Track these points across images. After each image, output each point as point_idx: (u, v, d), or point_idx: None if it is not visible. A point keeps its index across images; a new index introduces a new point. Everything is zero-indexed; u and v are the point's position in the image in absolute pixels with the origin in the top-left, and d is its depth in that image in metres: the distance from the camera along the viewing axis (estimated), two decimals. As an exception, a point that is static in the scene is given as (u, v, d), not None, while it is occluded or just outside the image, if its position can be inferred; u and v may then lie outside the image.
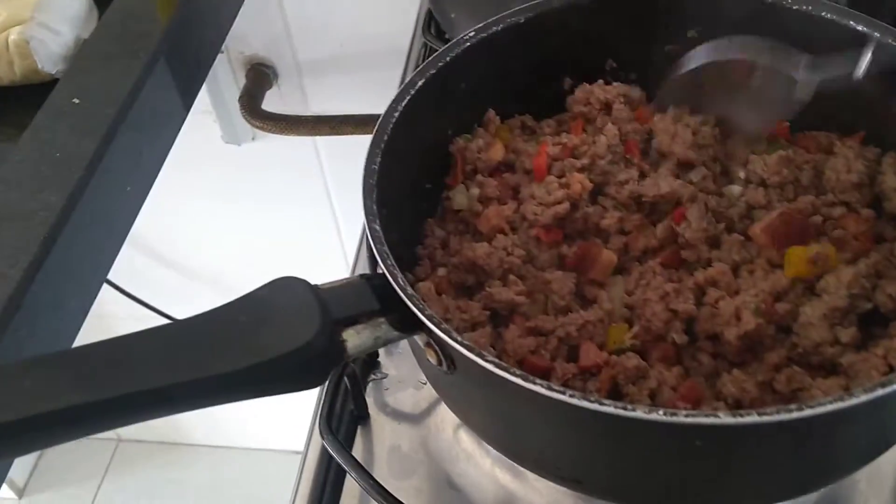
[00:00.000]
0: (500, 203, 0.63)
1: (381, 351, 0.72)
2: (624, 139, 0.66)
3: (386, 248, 0.50)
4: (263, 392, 0.45)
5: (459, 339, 0.46)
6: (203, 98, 1.27)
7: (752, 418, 0.41)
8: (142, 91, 0.76)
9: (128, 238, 0.76)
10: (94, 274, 0.72)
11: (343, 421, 0.67)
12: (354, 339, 0.47)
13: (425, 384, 0.69)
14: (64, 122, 0.71)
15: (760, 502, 0.53)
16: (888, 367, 0.51)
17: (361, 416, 0.67)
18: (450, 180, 0.65)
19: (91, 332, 0.70)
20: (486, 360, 0.44)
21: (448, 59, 0.62)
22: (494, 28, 0.64)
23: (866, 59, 0.54)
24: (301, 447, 0.67)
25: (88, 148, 0.69)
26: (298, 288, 0.47)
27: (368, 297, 0.49)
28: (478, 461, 0.64)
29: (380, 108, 0.59)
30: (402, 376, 0.70)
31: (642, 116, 0.67)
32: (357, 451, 0.66)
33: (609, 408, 0.42)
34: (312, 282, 1.11)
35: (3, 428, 0.39)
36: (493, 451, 0.64)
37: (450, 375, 0.50)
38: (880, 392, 0.42)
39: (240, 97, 1.25)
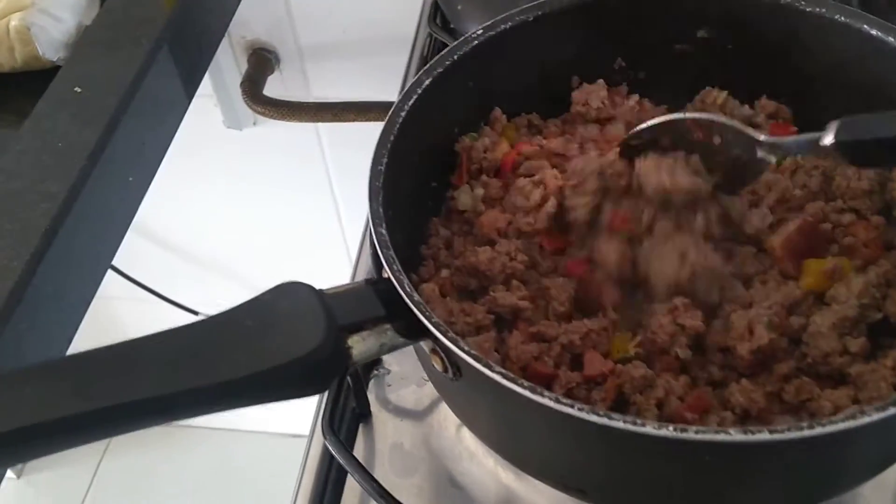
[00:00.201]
0: (502, 206, 0.63)
1: (384, 346, 0.72)
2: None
3: (392, 252, 0.50)
4: (267, 398, 0.44)
5: (466, 348, 0.45)
6: (204, 82, 1.25)
7: (763, 436, 0.41)
8: (144, 79, 0.75)
9: (127, 220, 0.76)
10: (96, 265, 0.72)
11: (345, 417, 0.67)
12: (360, 345, 0.47)
13: (428, 381, 0.69)
14: (65, 112, 0.70)
15: None
16: None
17: (363, 414, 0.67)
18: (455, 179, 0.65)
19: (92, 314, 0.70)
20: (494, 371, 0.44)
21: (456, 57, 0.61)
22: (503, 26, 0.63)
23: (831, 133, 0.52)
24: (301, 430, 0.67)
25: (90, 138, 0.68)
26: (303, 293, 0.46)
27: (374, 303, 0.48)
28: (480, 460, 0.64)
29: (383, 94, 0.59)
30: (405, 373, 0.70)
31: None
32: (359, 448, 0.66)
33: (618, 422, 0.42)
34: (313, 269, 1.10)
35: (4, 437, 0.38)
36: (495, 450, 0.64)
37: (455, 382, 0.49)
38: (892, 411, 0.41)
39: (241, 82, 1.24)
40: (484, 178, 0.64)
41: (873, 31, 0.59)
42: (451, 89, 0.61)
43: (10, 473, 1.92)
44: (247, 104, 1.23)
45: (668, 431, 0.41)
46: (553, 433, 0.48)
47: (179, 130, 0.85)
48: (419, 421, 0.67)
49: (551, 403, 0.43)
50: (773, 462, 0.45)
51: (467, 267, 0.59)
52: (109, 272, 0.82)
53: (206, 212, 1.51)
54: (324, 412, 0.64)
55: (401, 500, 0.58)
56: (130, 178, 0.75)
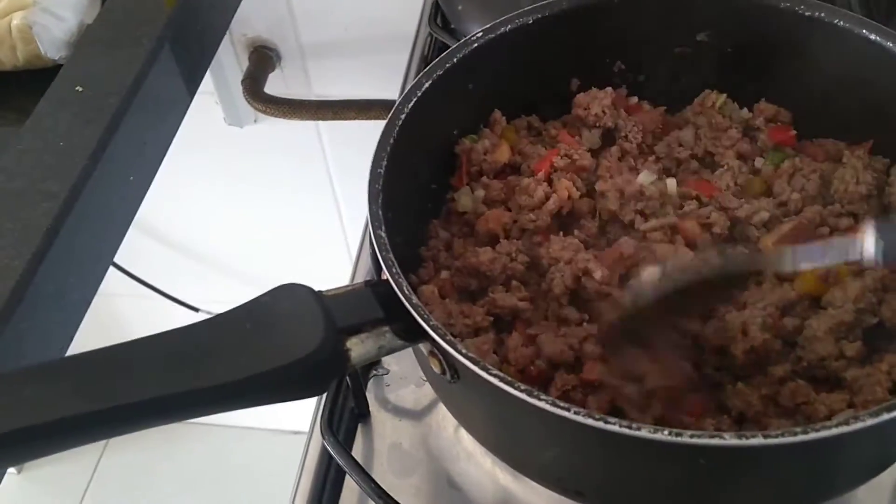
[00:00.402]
0: (505, 206, 0.63)
1: (383, 346, 0.72)
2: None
3: (391, 255, 0.50)
4: (266, 400, 0.44)
5: (464, 351, 0.46)
6: (206, 80, 1.25)
7: (757, 440, 0.41)
8: (146, 78, 0.75)
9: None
10: (96, 264, 0.72)
11: (344, 417, 0.67)
12: (359, 347, 0.47)
13: (426, 381, 0.69)
14: (67, 111, 0.70)
15: None
16: (892, 382, 0.51)
17: (362, 414, 0.67)
18: (455, 181, 0.65)
19: (93, 311, 0.70)
20: (491, 374, 0.44)
21: (456, 59, 0.61)
22: (503, 29, 0.63)
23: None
24: (301, 427, 0.67)
25: (92, 137, 0.69)
26: (303, 295, 0.47)
27: (373, 305, 0.48)
28: (478, 460, 0.64)
29: (384, 93, 0.59)
30: (404, 373, 0.70)
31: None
32: (357, 448, 0.66)
33: (614, 426, 0.42)
34: (313, 266, 1.10)
35: (3, 438, 0.39)
36: (494, 451, 0.65)
37: (453, 384, 0.50)
38: (886, 417, 0.42)
39: (243, 80, 1.24)
40: (484, 179, 0.64)
41: (872, 36, 0.60)
42: (450, 92, 0.61)
43: (10, 469, 1.92)
44: (248, 102, 1.23)
45: (664, 436, 0.42)
46: (550, 436, 0.48)
47: (181, 128, 0.85)
48: (418, 421, 0.67)
49: (548, 407, 0.43)
50: (767, 466, 0.45)
51: (468, 268, 0.59)
52: (111, 269, 0.82)
53: (207, 209, 1.51)
54: (322, 412, 0.64)
55: (399, 501, 0.58)
56: (131, 178, 0.75)
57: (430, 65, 0.61)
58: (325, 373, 0.46)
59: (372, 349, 0.48)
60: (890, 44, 0.59)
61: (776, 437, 0.41)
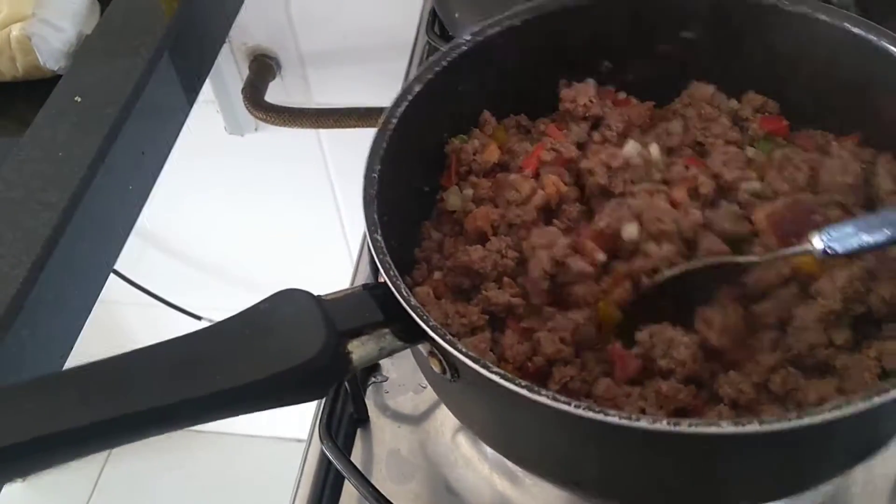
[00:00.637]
0: (494, 204, 0.64)
1: (382, 353, 0.72)
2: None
3: (388, 258, 0.50)
4: (269, 405, 0.45)
5: (464, 350, 0.46)
6: (206, 88, 1.27)
7: (753, 427, 0.42)
8: (144, 88, 0.75)
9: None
10: (96, 272, 0.73)
11: (343, 423, 0.67)
12: (359, 350, 0.47)
13: (425, 387, 0.69)
14: (66, 121, 0.71)
15: (756, 501, 0.54)
16: (881, 368, 0.52)
17: (361, 419, 0.68)
18: (444, 181, 0.65)
19: (95, 319, 0.71)
20: (492, 372, 0.45)
21: (445, 63, 0.62)
22: (490, 31, 0.64)
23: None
24: (302, 435, 0.68)
25: (91, 146, 0.69)
26: (302, 300, 0.47)
27: (372, 308, 0.49)
28: (475, 466, 0.65)
29: (383, 100, 0.59)
30: (402, 379, 0.70)
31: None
32: (356, 454, 0.66)
33: (613, 418, 0.43)
34: (315, 272, 1.10)
35: (6, 451, 0.39)
36: (491, 457, 0.65)
37: (453, 383, 0.50)
38: (877, 400, 0.43)
39: (243, 88, 1.25)
40: (473, 178, 0.65)
41: (855, 29, 0.60)
42: (440, 95, 0.62)
43: (14, 477, 1.92)
44: (248, 110, 1.24)
45: (663, 426, 0.42)
46: (550, 429, 0.49)
47: (182, 136, 0.85)
48: (416, 427, 0.68)
49: (549, 401, 0.44)
50: (763, 451, 0.46)
51: (459, 266, 0.60)
52: (112, 277, 0.83)
53: (208, 217, 1.52)
54: (321, 417, 0.65)
55: (397, 506, 0.59)
56: (130, 186, 0.75)
57: (420, 69, 0.62)
58: (327, 376, 0.47)
59: (373, 351, 0.48)
60: (872, 37, 0.59)
61: (772, 423, 0.42)
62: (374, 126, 0.58)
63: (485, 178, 0.65)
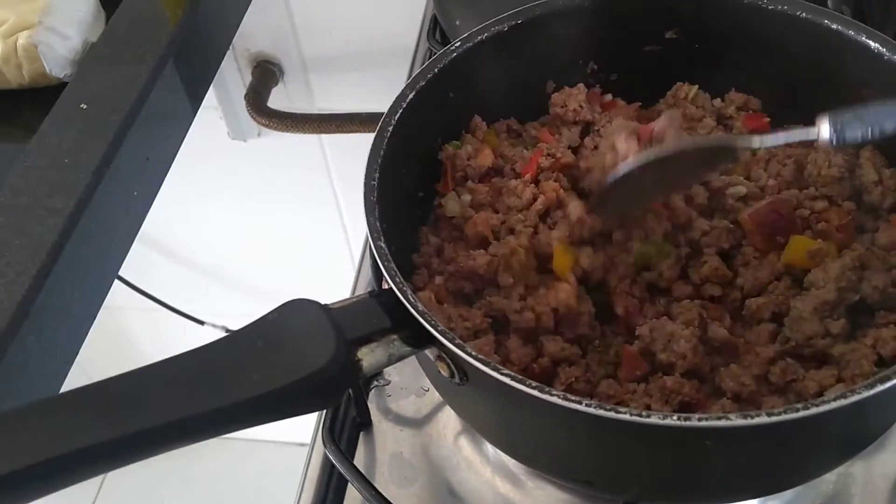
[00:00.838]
0: (493, 208, 0.65)
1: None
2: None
3: (393, 265, 0.51)
4: (282, 415, 0.45)
5: (474, 353, 0.47)
6: (210, 94, 1.27)
7: (761, 419, 0.43)
8: (149, 95, 0.76)
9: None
10: (101, 278, 0.73)
11: (346, 427, 0.68)
12: (369, 357, 0.48)
13: (427, 391, 0.70)
14: (72, 128, 0.71)
15: (759, 493, 0.57)
16: (877, 355, 0.53)
17: (364, 423, 0.68)
18: (441, 187, 0.66)
19: (100, 325, 0.71)
20: (502, 374, 0.46)
21: (437, 70, 0.63)
22: (479, 37, 0.65)
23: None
24: (305, 439, 0.68)
25: (96, 153, 0.70)
26: (311, 309, 0.48)
27: (379, 315, 0.49)
28: (478, 469, 0.65)
29: (385, 106, 0.60)
30: (405, 383, 0.71)
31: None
32: (359, 457, 0.67)
33: (624, 415, 0.43)
34: (318, 277, 1.10)
35: (27, 470, 0.39)
36: (493, 460, 0.65)
37: (461, 386, 0.51)
38: (880, 388, 0.43)
39: (246, 94, 1.26)
40: (469, 184, 0.66)
41: (834, 26, 0.62)
42: (433, 101, 0.63)
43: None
44: (251, 116, 1.24)
45: (673, 421, 0.43)
46: (561, 429, 0.50)
47: (185, 142, 0.86)
48: (418, 430, 0.68)
49: (559, 401, 0.44)
50: (769, 442, 0.47)
51: (462, 271, 0.60)
52: (117, 283, 0.83)
53: (212, 222, 1.52)
54: (325, 421, 0.65)
55: (400, 510, 0.59)
56: (135, 193, 0.76)
57: (413, 76, 0.63)
58: (338, 384, 0.47)
59: (382, 357, 0.49)
60: (851, 32, 0.61)
61: (779, 414, 0.43)
62: (375, 131, 0.59)
63: (480, 182, 0.66)
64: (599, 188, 0.60)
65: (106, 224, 0.71)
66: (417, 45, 1.05)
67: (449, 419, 0.68)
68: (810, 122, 0.67)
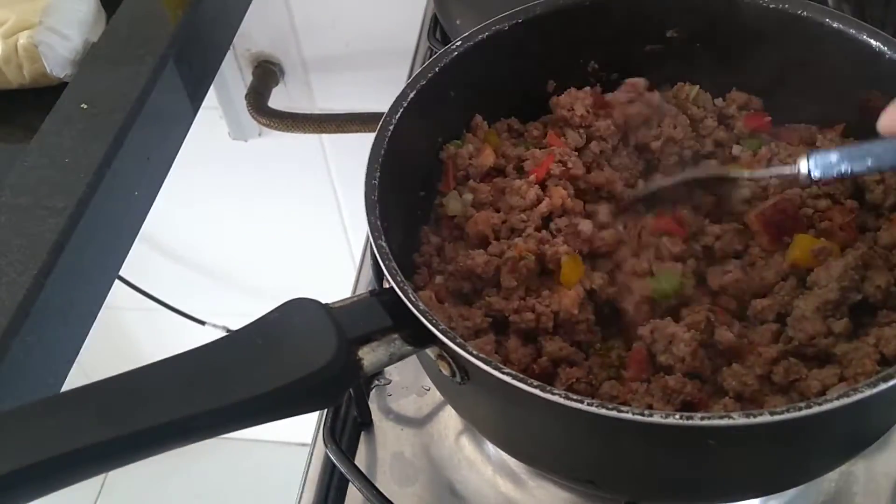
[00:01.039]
0: (494, 208, 0.65)
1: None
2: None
3: (394, 264, 0.51)
4: (283, 415, 0.45)
5: (475, 352, 0.47)
6: (210, 94, 1.27)
7: (764, 418, 0.43)
8: (150, 95, 0.76)
9: (134, 230, 0.77)
10: (102, 278, 0.73)
11: (346, 426, 0.68)
12: (370, 356, 0.48)
13: (428, 390, 0.70)
14: (72, 128, 0.71)
15: (762, 492, 0.57)
16: (880, 354, 0.53)
17: (365, 423, 0.68)
18: (442, 187, 0.66)
19: (100, 324, 0.71)
20: (503, 373, 0.46)
21: (437, 69, 0.63)
22: (480, 36, 0.65)
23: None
24: (306, 439, 0.68)
25: (97, 153, 0.70)
26: (311, 309, 0.47)
27: (380, 314, 0.49)
28: (479, 468, 0.65)
29: (385, 105, 0.60)
30: (406, 382, 0.71)
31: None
32: (360, 457, 0.67)
33: (627, 414, 0.43)
34: (318, 276, 1.10)
35: (27, 470, 0.39)
36: (494, 459, 0.65)
37: (462, 385, 0.51)
38: (883, 386, 0.43)
39: (246, 94, 1.26)
40: (471, 183, 0.66)
41: (835, 25, 0.62)
42: (434, 100, 0.63)
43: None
44: (252, 116, 1.24)
45: (675, 420, 0.43)
46: (563, 428, 0.50)
47: (186, 142, 0.86)
48: (419, 429, 0.68)
49: (561, 400, 0.44)
50: (771, 442, 0.47)
51: (462, 271, 0.60)
52: (117, 282, 0.83)
53: (212, 222, 1.52)
54: (325, 421, 0.65)
55: (401, 509, 0.59)
56: (136, 192, 0.76)
57: (414, 76, 0.63)
58: (340, 383, 0.47)
59: (383, 357, 0.49)
60: (852, 31, 0.61)
61: (782, 413, 0.43)
62: (375, 131, 0.59)
63: (482, 182, 0.66)
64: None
65: (106, 224, 0.71)
66: (418, 45, 1.05)
67: (450, 418, 0.68)
68: (811, 120, 0.67)
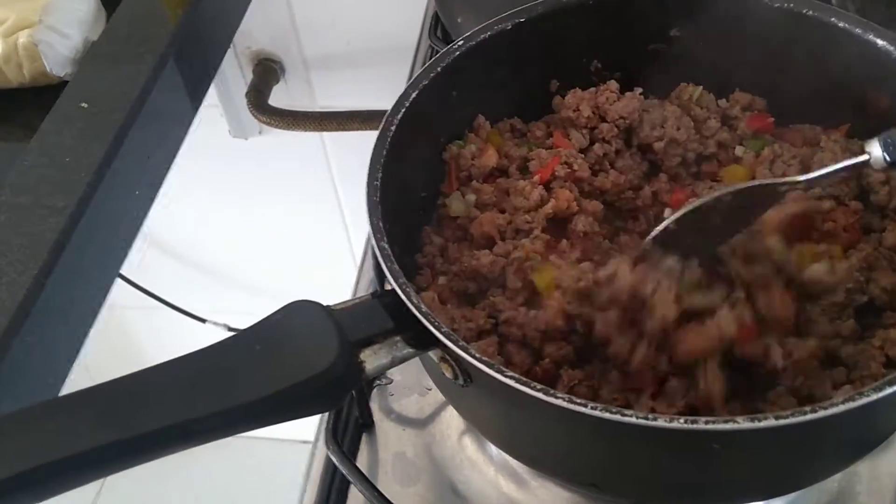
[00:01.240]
0: (498, 209, 0.64)
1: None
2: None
3: (396, 266, 0.50)
4: (284, 418, 0.45)
5: (478, 355, 0.46)
6: (211, 92, 1.27)
7: (769, 422, 0.42)
8: (150, 94, 0.76)
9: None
10: (102, 277, 0.73)
11: (349, 427, 0.67)
12: (372, 359, 0.48)
13: (430, 390, 0.70)
14: (72, 127, 0.71)
15: (766, 496, 0.57)
16: (885, 356, 0.53)
17: (366, 423, 0.68)
18: (445, 187, 0.66)
19: (101, 323, 0.71)
20: (506, 376, 0.45)
21: (439, 69, 0.63)
22: (482, 36, 0.64)
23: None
24: (307, 436, 0.68)
25: (97, 152, 0.70)
26: (313, 311, 0.47)
27: (382, 316, 0.49)
28: (481, 468, 0.65)
29: (386, 103, 0.60)
30: (408, 382, 0.71)
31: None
32: (362, 457, 0.67)
33: (631, 418, 0.43)
34: (319, 275, 1.10)
35: (31, 473, 0.39)
36: (497, 459, 0.65)
37: (464, 388, 0.50)
38: (889, 390, 0.43)
39: (247, 92, 1.25)
40: (474, 184, 0.65)
41: (841, 24, 0.61)
42: (436, 100, 0.62)
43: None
44: (252, 114, 1.24)
45: (680, 424, 0.43)
46: (566, 431, 0.49)
47: (187, 140, 0.86)
48: (421, 430, 0.68)
49: (565, 404, 0.44)
50: (776, 445, 0.47)
51: (466, 271, 0.60)
52: (118, 281, 0.83)
53: (213, 220, 1.52)
54: (327, 423, 0.65)
55: (403, 510, 0.59)
56: (136, 192, 0.76)
57: (415, 76, 0.62)
58: (341, 386, 0.47)
59: (385, 360, 0.48)
60: (858, 30, 0.61)
61: (787, 417, 0.42)
62: (377, 129, 0.58)
63: (485, 182, 0.66)
64: (643, 246, 0.57)
65: (107, 223, 0.71)
66: (419, 43, 1.04)
67: (452, 418, 0.68)
68: (815, 121, 0.67)
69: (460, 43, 0.64)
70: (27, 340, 0.61)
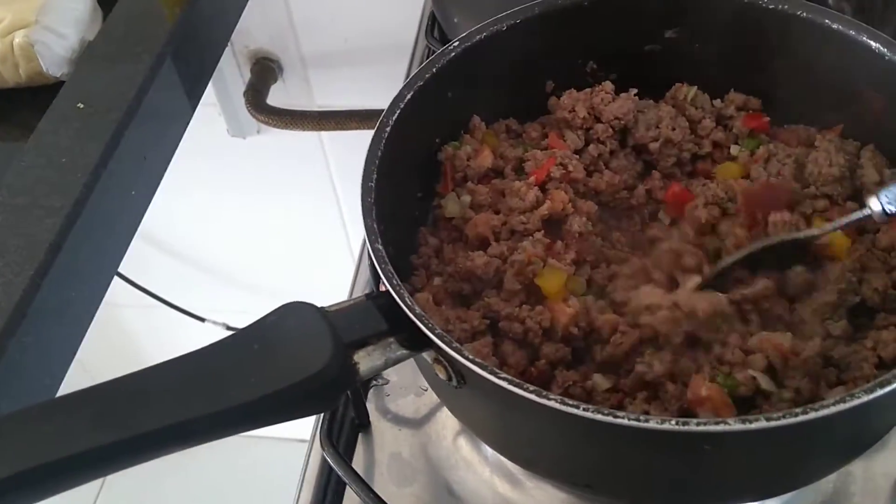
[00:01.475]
0: (493, 209, 0.64)
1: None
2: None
3: (390, 267, 0.51)
4: (279, 419, 0.45)
5: (471, 357, 0.46)
6: (208, 91, 1.27)
7: (760, 423, 0.42)
8: (147, 94, 0.76)
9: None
10: (99, 277, 0.73)
11: (344, 428, 0.67)
12: (366, 361, 0.48)
13: (426, 390, 0.70)
14: (69, 127, 0.71)
15: (758, 496, 0.57)
16: (878, 357, 0.53)
17: (362, 424, 0.68)
18: (440, 188, 0.66)
19: (99, 321, 0.71)
20: (499, 377, 0.45)
21: (435, 70, 0.62)
22: (477, 36, 0.64)
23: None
24: (303, 435, 0.68)
25: (93, 152, 0.70)
26: (307, 313, 0.47)
27: (376, 318, 0.49)
28: (476, 469, 0.65)
29: (384, 102, 0.60)
30: (403, 382, 0.71)
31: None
32: (358, 458, 0.67)
33: (623, 420, 0.43)
34: (318, 274, 1.10)
35: (28, 473, 0.39)
36: (492, 459, 0.65)
37: (458, 389, 0.50)
38: (880, 392, 0.43)
39: (245, 91, 1.25)
40: (469, 184, 0.65)
41: (835, 26, 0.62)
42: (431, 101, 0.62)
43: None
44: (250, 113, 1.24)
45: (671, 426, 0.43)
46: (559, 433, 0.49)
47: (184, 139, 0.86)
48: (417, 430, 0.68)
49: (557, 405, 0.44)
50: (768, 446, 0.47)
51: (461, 272, 0.60)
52: (116, 279, 0.83)
53: (212, 219, 1.52)
54: (322, 423, 0.65)
55: (398, 510, 0.59)
56: (133, 192, 0.76)
57: (411, 76, 0.62)
58: (335, 388, 0.47)
59: (379, 361, 0.49)
60: (852, 32, 0.61)
61: (777, 419, 0.42)
62: (374, 128, 0.58)
63: (480, 183, 0.66)
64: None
65: (104, 224, 0.71)
66: (416, 42, 1.04)
67: (448, 419, 0.68)
68: (810, 121, 0.67)
69: (456, 44, 0.64)
70: (24, 341, 0.61)
